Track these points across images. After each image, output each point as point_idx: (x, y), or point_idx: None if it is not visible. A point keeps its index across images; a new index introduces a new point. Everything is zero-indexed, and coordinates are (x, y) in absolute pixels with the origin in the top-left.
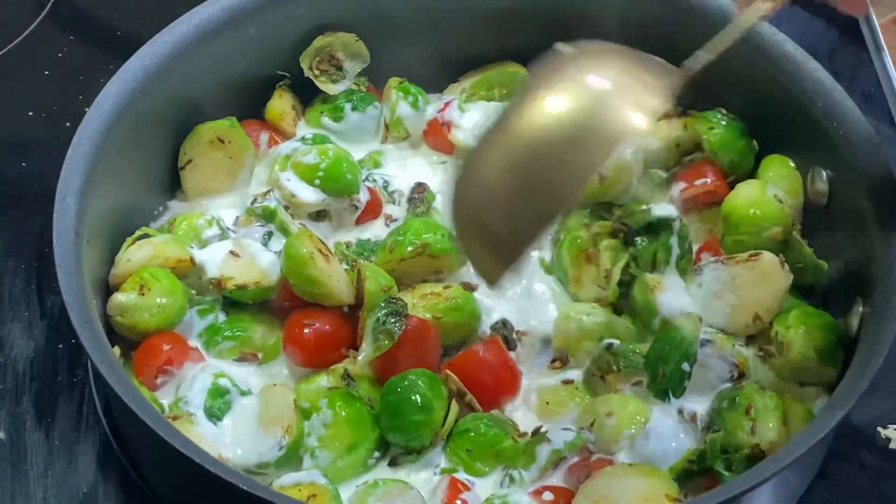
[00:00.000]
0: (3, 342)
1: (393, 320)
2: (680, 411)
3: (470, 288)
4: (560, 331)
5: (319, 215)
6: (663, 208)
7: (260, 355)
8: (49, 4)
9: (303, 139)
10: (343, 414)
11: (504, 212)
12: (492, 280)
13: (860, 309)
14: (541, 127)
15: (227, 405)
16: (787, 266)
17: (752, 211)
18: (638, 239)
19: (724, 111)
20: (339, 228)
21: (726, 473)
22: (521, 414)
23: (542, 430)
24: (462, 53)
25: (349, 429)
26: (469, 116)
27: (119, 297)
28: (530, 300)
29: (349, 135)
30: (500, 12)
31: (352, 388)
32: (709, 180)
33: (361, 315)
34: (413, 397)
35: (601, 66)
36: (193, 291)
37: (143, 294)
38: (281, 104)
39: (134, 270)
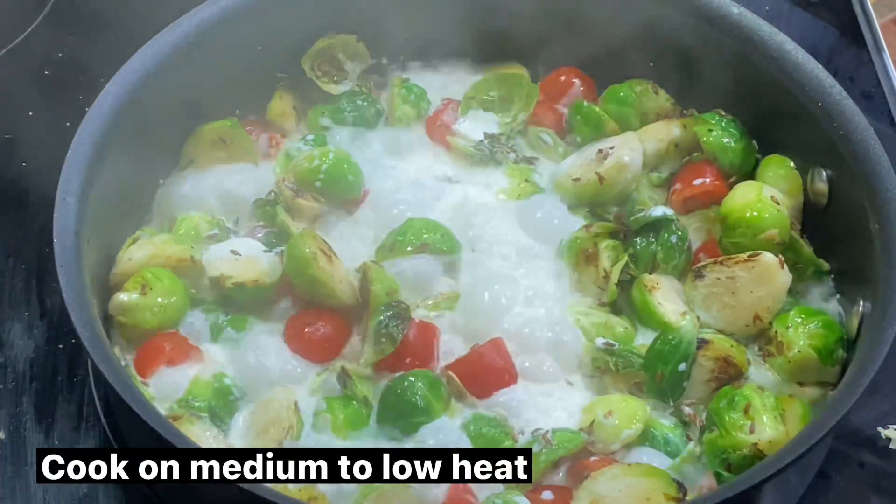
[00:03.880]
0: (3, 342)
1: (395, 323)
2: (678, 411)
3: None
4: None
5: (320, 216)
6: (662, 209)
7: None
8: (49, 4)
9: (304, 140)
10: (341, 416)
11: None
12: None
13: (860, 309)
14: None
15: (228, 405)
16: (786, 266)
17: (748, 213)
18: (637, 239)
19: (722, 112)
20: (340, 229)
21: (726, 473)
22: (522, 413)
23: (542, 430)
24: (462, 53)
25: (348, 429)
26: (468, 122)
27: (121, 297)
28: (530, 300)
29: (350, 135)
30: (500, 13)
31: (347, 388)
32: (707, 180)
33: (366, 317)
34: (413, 399)
35: None
36: (194, 291)
37: (145, 294)
38: (281, 104)
39: (135, 270)
